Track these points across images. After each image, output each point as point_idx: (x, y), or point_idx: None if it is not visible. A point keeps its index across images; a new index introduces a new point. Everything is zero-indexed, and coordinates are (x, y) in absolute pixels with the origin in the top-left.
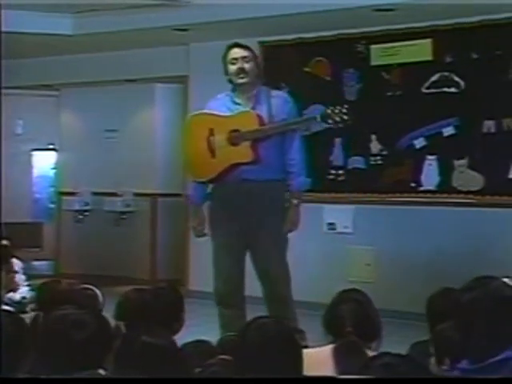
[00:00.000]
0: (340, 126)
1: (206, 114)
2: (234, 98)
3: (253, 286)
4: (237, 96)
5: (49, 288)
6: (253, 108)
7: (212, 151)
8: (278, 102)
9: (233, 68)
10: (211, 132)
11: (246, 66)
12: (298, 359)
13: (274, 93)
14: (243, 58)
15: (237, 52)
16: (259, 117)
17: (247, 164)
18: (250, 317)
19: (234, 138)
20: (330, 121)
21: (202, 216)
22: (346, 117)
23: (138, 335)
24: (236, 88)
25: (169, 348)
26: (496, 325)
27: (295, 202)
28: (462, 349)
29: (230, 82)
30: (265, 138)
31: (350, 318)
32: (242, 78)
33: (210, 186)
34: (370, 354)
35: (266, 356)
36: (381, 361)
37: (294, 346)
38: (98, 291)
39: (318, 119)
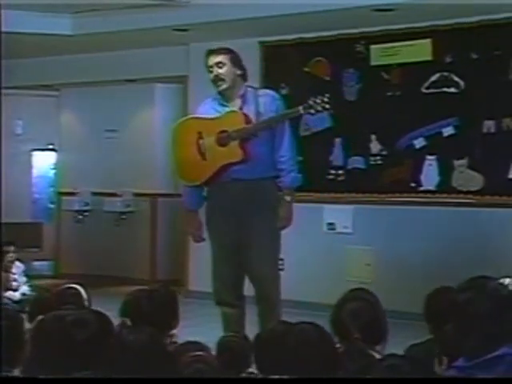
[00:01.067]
0: (320, 112)
1: (192, 118)
2: (221, 101)
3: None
4: (223, 99)
5: (36, 300)
6: (240, 108)
7: (202, 154)
8: (266, 100)
9: (211, 76)
10: (200, 135)
11: (221, 71)
12: (336, 362)
13: (262, 92)
14: (217, 64)
15: (210, 59)
16: (245, 115)
17: (237, 163)
18: (249, 316)
19: (222, 139)
20: (312, 111)
21: (199, 221)
22: (327, 105)
23: (123, 333)
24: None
25: (154, 346)
26: (492, 324)
27: (288, 198)
28: (460, 348)
29: None
30: (253, 136)
31: (357, 320)
32: (220, 84)
33: (206, 189)
34: (378, 357)
35: (306, 359)
36: (386, 362)
37: (333, 351)
38: (81, 289)
39: (301, 111)
